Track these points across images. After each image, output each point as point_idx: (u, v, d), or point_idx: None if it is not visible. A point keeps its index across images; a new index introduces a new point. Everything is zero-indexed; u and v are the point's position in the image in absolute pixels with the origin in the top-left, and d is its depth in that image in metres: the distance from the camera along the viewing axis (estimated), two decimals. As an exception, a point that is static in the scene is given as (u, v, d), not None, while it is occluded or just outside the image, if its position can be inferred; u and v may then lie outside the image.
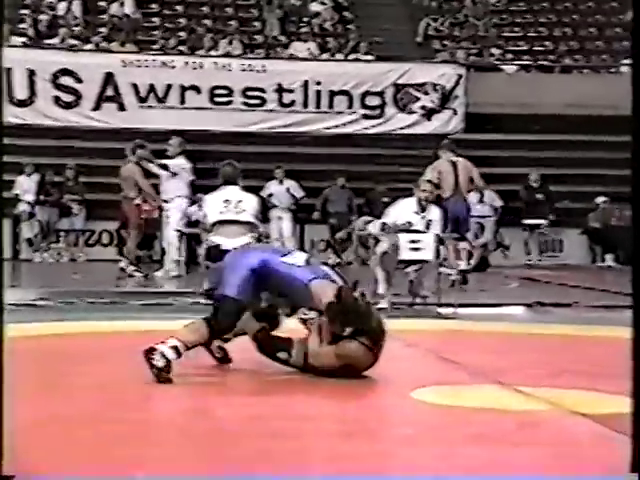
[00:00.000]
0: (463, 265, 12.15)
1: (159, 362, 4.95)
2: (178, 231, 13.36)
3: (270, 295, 5.34)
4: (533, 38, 20.89)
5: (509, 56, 19.98)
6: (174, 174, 13.14)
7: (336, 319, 5.06)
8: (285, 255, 5.46)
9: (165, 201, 13.30)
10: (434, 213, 9.75)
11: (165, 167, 13.13)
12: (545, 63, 20.18)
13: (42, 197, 16.33)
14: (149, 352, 4.98)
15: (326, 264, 5.86)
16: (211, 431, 4.07)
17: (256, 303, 5.29)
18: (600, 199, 17.16)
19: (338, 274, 5.50)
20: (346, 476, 3.30)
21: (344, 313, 5.05)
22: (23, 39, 18.83)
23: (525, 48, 20.56)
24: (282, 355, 5.23)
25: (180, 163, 13.36)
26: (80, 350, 6.33)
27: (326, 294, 5.16)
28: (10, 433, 2.92)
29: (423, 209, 9.66)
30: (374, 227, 9.89)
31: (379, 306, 9.34)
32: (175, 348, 5.00)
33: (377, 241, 9.71)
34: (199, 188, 14.05)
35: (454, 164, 12.47)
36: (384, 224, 9.64)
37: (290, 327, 5.38)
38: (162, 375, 4.94)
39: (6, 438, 2.89)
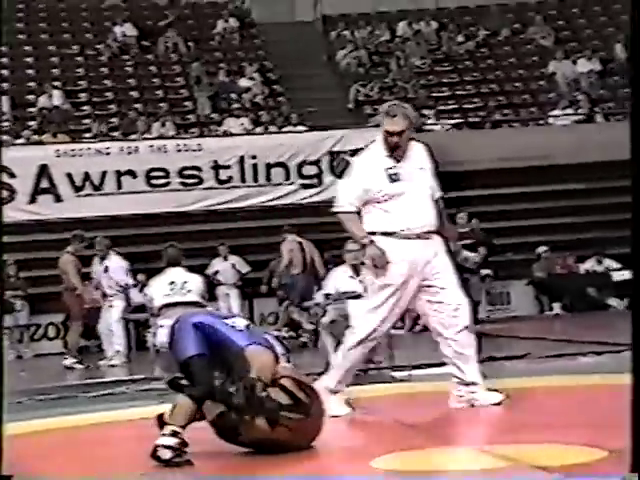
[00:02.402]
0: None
1: (167, 454, 4.96)
2: (124, 319, 13.27)
3: (219, 368, 5.28)
4: (461, 96, 21.28)
5: (440, 116, 20.30)
6: (111, 276, 13.31)
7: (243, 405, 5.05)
8: (227, 318, 5.49)
9: (104, 295, 13.32)
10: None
11: (106, 269, 13.31)
12: (475, 120, 20.55)
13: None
14: (153, 453, 5.00)
15: (267, 333, 5.82)
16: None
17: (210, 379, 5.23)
18: (541, 249, 17.37)
19: (279, 341, 5.48)
20: None
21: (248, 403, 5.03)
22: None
23: (454, 107, 20.93)
24: (241, 438, 5.15)
25: (116, 265, 13.42)
26: (33, 448, 6.16)
27: (258, 361, 5.12)
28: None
29: (357, 272, 9.70)
30: (319, 298, 9.90)
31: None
32: (173, 433, 5.02)
33: (324, 312, 9.69)
34: (142, 271, 14.03)
35: (300, 244, 14.86)
36: (327, 295, 9.64)
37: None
38: (178, 462, 4.94)
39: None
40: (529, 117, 20.73)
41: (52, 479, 3.09)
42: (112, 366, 12.91)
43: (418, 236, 6.19)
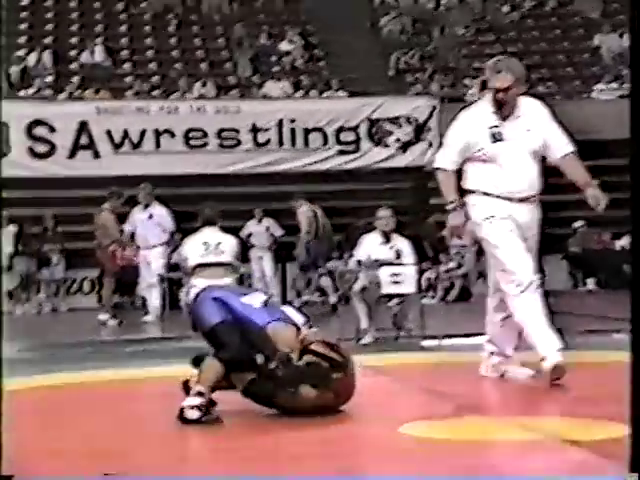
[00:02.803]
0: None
1: (194, 414, 5.01)
2: (159, 276, 13.37)
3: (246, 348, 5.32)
4: (503, 67, 21.06)
5: (481, 86, 20.11)
6: (157, 223, 13.33)
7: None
8: (245, 295, 5.51)
9: (146, 247, 13.38)
10: (401, 242, 9.77)
11: (150, 216, 13.35)
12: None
13: (21, 248, 16.25)
14: (180, 414, 5.04)
15: (289, 303, 5.86)
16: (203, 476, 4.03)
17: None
18: (577, 224, 17.24)
19: (298, 310, 5.52)
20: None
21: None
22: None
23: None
24: (275, 400, 5.19)
25: (161, 212, 13.51)
26: (68, 402, 6.26)
27: (281, 337, 5.16)
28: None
29: (388, 239, 9.70)
30: (351, 265, 9.91)
31: (363, 342, 9.35)
32: (198, 393, 5.07)
33: (356, 278, 9.71)
34: (177, 231, 14.11)
35: (314, 212, 15.35)
36: (359, 261, 9.66)
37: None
38: (207, 420, 4.99)
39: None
40: (572, 90, 20.50)
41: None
42: (146, 323, 13.02)
43: (519, 200, 5.92)
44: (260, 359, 5.14)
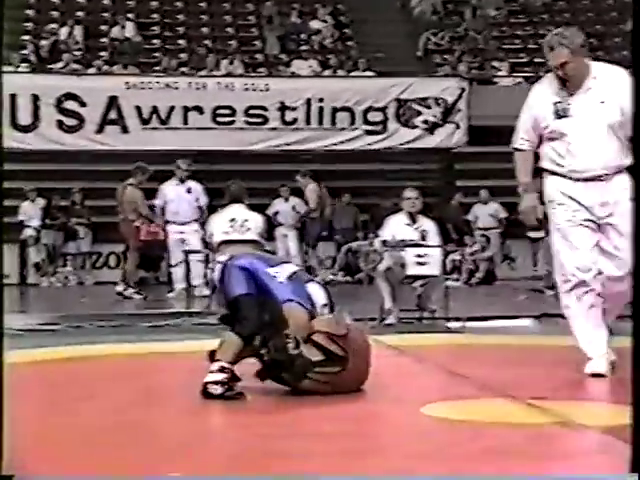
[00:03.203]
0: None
1: (218, 390, 5.04)
2: (184, 252, 13.38)
3: (263, 319, 5.34)
4: (533, 50, 20.93)
5: (510, 68, 20.00)
6: (194, 198, 13.35)
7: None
8: (272, 266, 5.48)
9: (181, 223, 13.37)
10: (427, 224, 9.76)
11: (189, 190, 13.37)
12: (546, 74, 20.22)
13: (48, 221, 16.36)
14: (204, 390, 5.07)
15: (316, 280, 5.80)
16: (217, 450, 4.07)
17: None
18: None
19: (325, 291, 5.48)
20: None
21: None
22: (26, 65, 18.94)
23: (526, 60, 20.60)
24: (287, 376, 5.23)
25: (197, 187, 13.54)
26: (88, 374, 6.33)
27: (293, 320, 5.18)
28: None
29: (414, 220, 9.69)
30: (376, 245, 9.92)
31: (387, 322, 9.36)
32: (221, 369, 5.10)
33: (381, 258, 9.71)
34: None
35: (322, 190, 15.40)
36: (384, 241, 9.66)
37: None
38: (229, 396, 5.02)
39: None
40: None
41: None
42: (171, 299, 13.05)
43: (588, 179, 5.55)
44: (257, 340, 5.16)
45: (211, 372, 5.12)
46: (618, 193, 5.49)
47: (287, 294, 5.30)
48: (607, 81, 5.63)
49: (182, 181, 13.62)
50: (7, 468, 2.94)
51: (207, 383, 5.09)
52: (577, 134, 5.56)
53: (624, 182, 5.44)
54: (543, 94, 5.75)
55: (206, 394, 5.07)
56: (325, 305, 5.40)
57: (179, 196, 13.50)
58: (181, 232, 13.36)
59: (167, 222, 13.49)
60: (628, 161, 5.40)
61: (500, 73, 19.86)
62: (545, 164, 5.76)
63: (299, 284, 5.43)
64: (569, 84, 5.62)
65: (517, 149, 5.92)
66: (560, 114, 5.60)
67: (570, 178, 5.60)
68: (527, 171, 5.84)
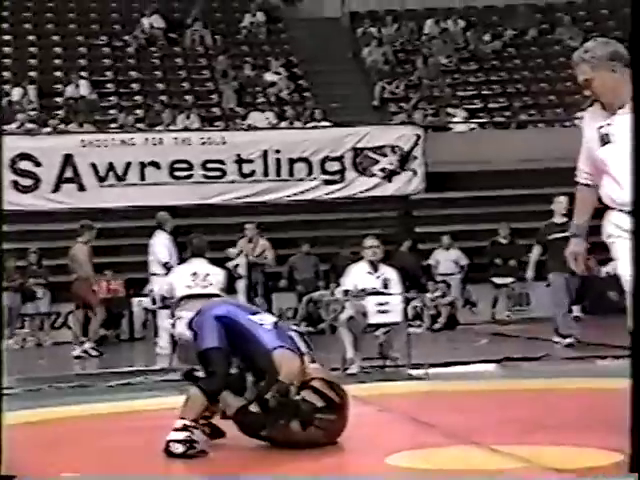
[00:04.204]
0: None
1: (179, 449, 5.00)
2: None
3: (239, 360, 5.29)
4: (487, 96, 21.22)
5: (465, 115, 20.24)
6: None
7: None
8: (254, 314, 5.45)
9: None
10: (388, 272, 9.77)
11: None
12: (500, 120, 20.49)
13: (5, 283, 16.17)
14: (166, 448, 5.03)
15: (294, 329, 5.79)
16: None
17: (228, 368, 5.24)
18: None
19: (304, 340, 5.47)
20: None
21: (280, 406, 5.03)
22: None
23: (480, 106, 20.87)
24: (263, 433, 5.18)
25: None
26: (52, 436, 6.21)
27: (286, 366, 5.13)
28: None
29: (375, 269, 9.70)
30: (337, 294, 9.91)
31: (349, 371, 9.32)
32: (184, 427, 5.04)
33: (342, 308, 9.69)
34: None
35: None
36: (346, 291, 9.65)
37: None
38: (191, 454, 4.97)
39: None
40: (555, 118, 20.63)
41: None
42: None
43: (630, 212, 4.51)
44: (250, 381, 5.09)
45: (174, 430, 5.06)
46: None
47: (275, 341, 5.24)
48: None
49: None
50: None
51: (169, 441, 5.02)
52: (619, 161, 4.68)
53: None
54: (590, 119, 5.01)
55: (168, 452, 5.00)
56: (307, 353, 5.38)
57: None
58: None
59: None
60: None
61: (455, 119, 20.08)
62: (602, 197, 4.97)
63: (283, 332, 5.41)
64: (606, 104, 4.86)
65: (577, 182, 5.15)
66: (604, 140, 4.87)
67: (621, 211, 4.84)
68: (582, 211, 5.07)
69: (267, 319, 5.40)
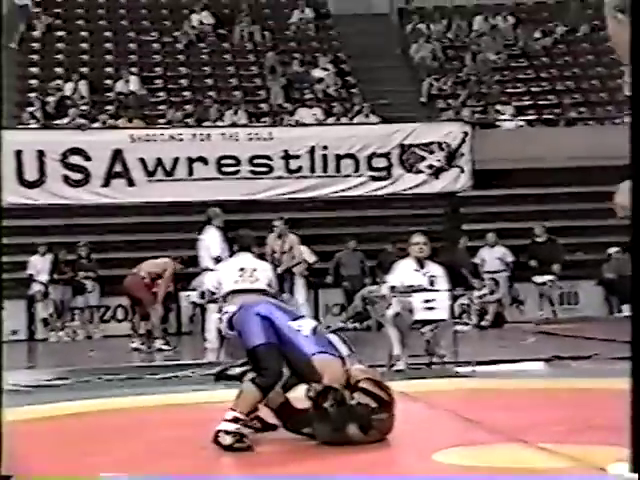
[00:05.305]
0: None
1: (227, 440, 5.03)
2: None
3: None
4: (536, 93, 21.05)
5: (513, 112, 20.10)
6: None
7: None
8: (294, 320, 5.44)
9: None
10: (435, 269, 9.73)
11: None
12: (550, 117, 20.31)
13: (56, 276, 16.38)
14: (215, 438, 5.07)
15: (335, 332, 5.77)
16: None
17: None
18: (613, 249, 17.11)
19: (345, 343, 5.45)
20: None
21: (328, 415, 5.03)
22: (34, 121, 19.10)
23: (529, 103, 20.71)
24: (306, 430, 5.20)
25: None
26: (103, 427, 6.28)
27: (329, 370, 5.12)
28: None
29: (422, 266, 9.65)
30: (384, 291, 9.88)
31: (395, 368, 9.31)
32: (235, 419, 5.07)
33: (389, 304, 9.68)
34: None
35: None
36: (392, 287, 9.63)
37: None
38: (238, 447, 5.00)
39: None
40: (605, 116, 20.41)
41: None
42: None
43: None
44: (312, 392, 5.05)
45: (225, 420, 5.08)
46: None
47: (315, 347, 5.24)
48: None
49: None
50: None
51: (219, 431, 5.06)
52: None
53: None
54: None
55: (216, 442, 5.04)
56: (349, 356, 5.37)
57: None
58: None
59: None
60: None
61: (503, 117, 19.95)
62: None
63: (322, 337, 5.40)
64: None
65: None
66: None
67: None
68: None
69: (306, 325, 5.39)
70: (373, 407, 5.05)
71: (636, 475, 2.84)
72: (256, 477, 3.78)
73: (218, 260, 12.45)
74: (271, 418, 5.47)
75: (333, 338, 5.46)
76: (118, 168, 17.60)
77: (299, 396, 5.27)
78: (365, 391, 5.08)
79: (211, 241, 13.02)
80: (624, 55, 4.40)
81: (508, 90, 20.95)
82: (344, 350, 5.37)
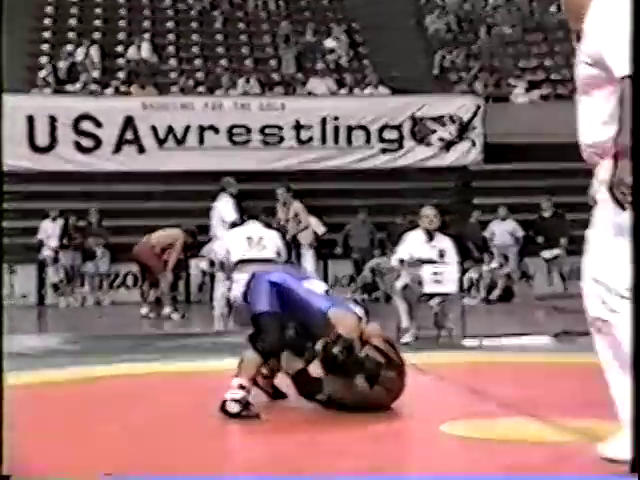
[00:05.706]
0: None
1: (234, 408, 5.06)
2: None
3: (296, 324, 5.34)
4: (550, 67, 20.93)
5: (526, 86, 20.00)
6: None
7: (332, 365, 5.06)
8: (306, 280, 5.51)
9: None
10: (444, 242, 9.72)
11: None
12: (563, 92, 20.20)
13: (66, 242, 16.42)
14: (222, 406, 5.09)
15: (348, 299, 5.86)
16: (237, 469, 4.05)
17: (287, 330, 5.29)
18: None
19: (358, 304, 5.53)
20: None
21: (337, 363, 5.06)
22: (44, 86, 19.08)
23: (543, 77, 20.59)
24: (319, 397, 5.24)
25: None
26: (111, 393, 6.32)
27: (343, 323, 5.17)
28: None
29: (431, 238, 9.65)
30: (393, 263, 9.88)
31: (403, 340, 9.34)
32: (240, 386, 5.11)
33: (398, 276, 9.69)
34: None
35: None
36: (401, 260, 9.63)
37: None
38: (246, 415, 5.04)
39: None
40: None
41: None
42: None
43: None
44: (319, 345, 5.11)
45: (231, 389, 5.13)
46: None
47: (328, 302, 5.31)
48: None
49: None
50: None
51: (226, 400, 5.10)
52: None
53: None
54: None
55: (224, 410, 5.08)
56: (364, 317, 5.42)
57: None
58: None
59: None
60: None
61: (516, 91, 19.86)
62: None
63: (336, 297, 5.50)
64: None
65: None
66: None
67: None
68: None
69: (318, 286, 5.47)
70: (382, 362, 5.08)
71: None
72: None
73: (234, 225, 12.48)
74: (284, 387, 5.52)
75: (347, 301, 5.54)
76: (129, 135, 17.59)
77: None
78: (376, 347, 5.12)
79: (225, 208, 13.07)
80: (575, 20, 3.85)
81: (521, 64, 20.83)
82: (359, 310, 5.42)
